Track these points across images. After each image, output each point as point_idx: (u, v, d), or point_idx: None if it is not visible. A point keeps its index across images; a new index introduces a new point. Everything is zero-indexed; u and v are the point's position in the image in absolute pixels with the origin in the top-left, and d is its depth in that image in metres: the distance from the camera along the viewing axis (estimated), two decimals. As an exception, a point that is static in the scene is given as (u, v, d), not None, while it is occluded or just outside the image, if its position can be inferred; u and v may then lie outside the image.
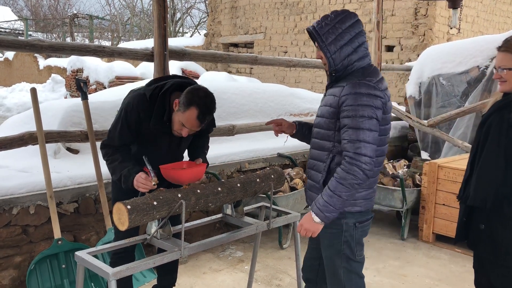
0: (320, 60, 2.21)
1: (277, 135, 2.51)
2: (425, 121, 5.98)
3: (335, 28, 2.06)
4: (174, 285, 2.99)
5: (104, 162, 2.50)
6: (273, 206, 2.84)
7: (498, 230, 2.13)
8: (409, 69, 7.25)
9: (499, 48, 2.15)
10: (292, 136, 2.52)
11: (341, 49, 2.07)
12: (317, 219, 2.08)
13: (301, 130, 2.49)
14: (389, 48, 9.97)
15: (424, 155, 6.28)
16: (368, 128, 2.00)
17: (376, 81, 2.07)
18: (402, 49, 9.77)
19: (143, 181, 2.28)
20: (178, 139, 2.60)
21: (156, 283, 2.99)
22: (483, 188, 2.14)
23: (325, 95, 2.26)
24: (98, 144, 3.35)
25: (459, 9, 7.83)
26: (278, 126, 2.47)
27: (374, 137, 2.02)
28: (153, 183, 2.25)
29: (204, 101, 2.32)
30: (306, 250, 2.54)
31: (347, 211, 2.16)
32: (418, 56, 7.77)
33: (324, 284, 2.43)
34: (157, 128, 2.42)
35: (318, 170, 2.21)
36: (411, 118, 6.16)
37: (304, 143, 2.56)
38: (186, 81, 2.51)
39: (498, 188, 2.10)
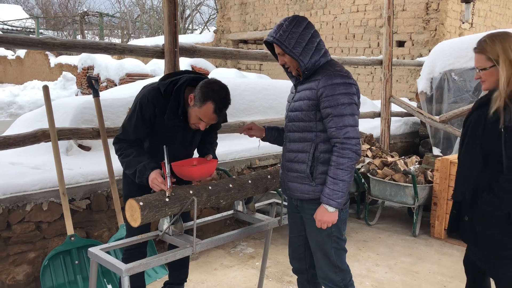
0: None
1: (251, 137, 2.61)
2: (437, 117, 5.92)
3: (293, 32, 2.20)
4: (186, 281, 3.01)
5: (117, 157, 2.50)
6: (284, 203, 2.84)
7: (476, 221, 2.25)
8: (420, 65, 7.18)
9: (474, 49, 2.20)
10: (263, 139, 2.62)
11: (305, 49, 2.21)
12: (331, 209, 2.20)
13: (270, 133, 2.59)
14: (400, 43, 9.88)
15: (436, 151, 6.22)
16: (350, 113, 2.17)
17: (345, 71, 2.22)
18: (413, 44, 9.68)
19: (159, 184, 2.25)
20: (191, 136, 2.61)
21: (167, 279, 3.01)
22: (462, 182, 2.27)
23: (296, 92, 2.36)
24: (110, 141, 3.37)
25: (471, 3, 7.72)
26: (248, 130, 2.57)
27: (356, 120, 2.20)
28: (167, 194, 2.19)
29: (219, 95, 2.35)
30: (289, 242, 2.59)
31: None
32: (429, 51, 7.69)
33: (312, 269, 2.53)
34: (171, 122, 2.43)
35: (302, 160, 2.30)
36: (422, 114, 6.11)
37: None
38: (199, 76, 2.53)
39: (477, 183, 2.19)
